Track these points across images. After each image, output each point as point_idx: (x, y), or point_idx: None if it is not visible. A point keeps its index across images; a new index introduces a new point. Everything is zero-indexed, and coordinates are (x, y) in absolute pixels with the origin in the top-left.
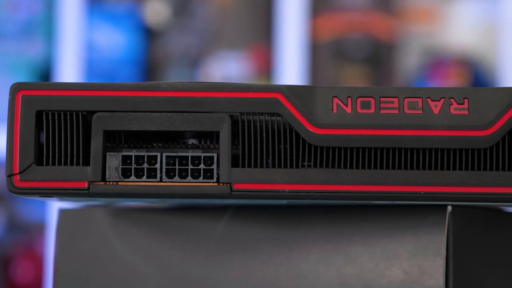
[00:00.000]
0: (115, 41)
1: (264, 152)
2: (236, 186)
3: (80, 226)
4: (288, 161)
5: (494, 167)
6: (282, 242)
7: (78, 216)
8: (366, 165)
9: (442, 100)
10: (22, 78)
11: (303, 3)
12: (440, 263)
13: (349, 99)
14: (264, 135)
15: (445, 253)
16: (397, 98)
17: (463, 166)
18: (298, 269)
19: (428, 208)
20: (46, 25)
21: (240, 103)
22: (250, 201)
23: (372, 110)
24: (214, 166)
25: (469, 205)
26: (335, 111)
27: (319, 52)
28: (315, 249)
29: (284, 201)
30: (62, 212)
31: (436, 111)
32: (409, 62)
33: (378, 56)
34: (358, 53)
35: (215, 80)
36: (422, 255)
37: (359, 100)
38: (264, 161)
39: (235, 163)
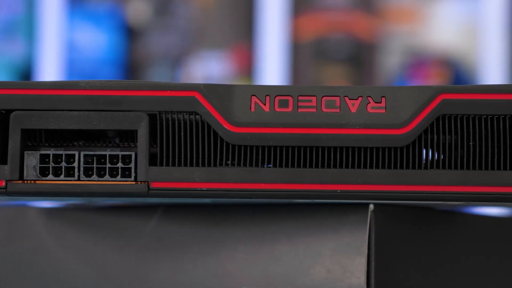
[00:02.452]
0: (96, 41)
1: (182, 150)
2: (153, 185)
3: (14, 225)
4: (206, 159)
5: (411, 165)
6: (210, 241)
7: (11, 215)
8: (284, 163)
9: (360, 99)
10: (3, 77)
11: (285, 3)
12: (362, 261)
13: (267, 97)
14: (182, 133)
15: (366, 251)
16: (315, 97)
17: (380, 164)
18: (225, 268)
19: (350, 207)
20: (27, 25)
21: (158, 101)
22: (181, 200)
23: (290, 109)
24: (132, 165)
25: (391, 203)
26: (253, 109)
27: (300, 52)
28: (241, 248)
29: (208, 200)
30: None
31: (353, 110)
32: (390, 62)
33: (360, 56)
34: (339, 53)
35: (197, 80)
36: (344, 253)
37: (277, 98)
38: (182, 159)
39: (153, 161)
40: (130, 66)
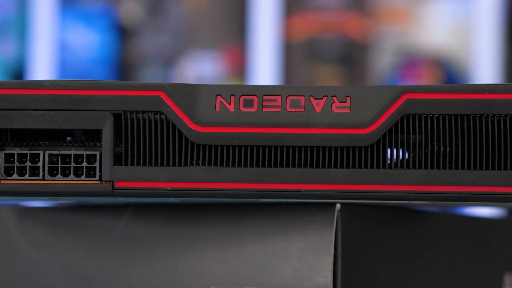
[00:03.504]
0: (88, 40)
1: (147, 150)
2: (118, 184)
3: None
4: (171, 159)
5: (375, 165)
6: (180, 240)
7: None
8: (248, 163)
9: (325, 98)
10: None
11: (277, 3)
12: (329, 260)
13: (232, 97)
14: (147, 133)
15: (333, 250)
16: (280, 96)
17: (344, 164)
18: (194, 267)
19: (318, 206)
20: (19, 25)
21: (123, 101)
22: (150, 199)
23: (254, 108)
24: (97, 164)
25: (358, 203)
26: (217, 109)
27: (293, 52)
28: (210, 248)
29: (177, 200)
30: None
31: (318, 109)
32: (382, 62)
33: (352, 56)
34: (331, 53)
35: (189, 81)
36: (311, 253)
37: (242, 98)
38: (147, 159)
39: (118, 161)
40: (123, 66)
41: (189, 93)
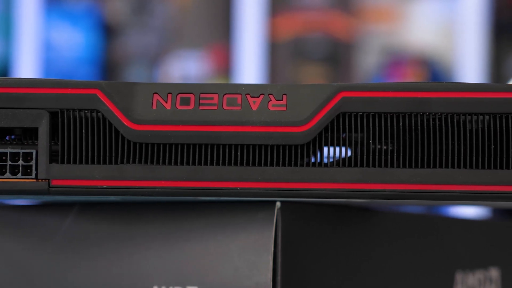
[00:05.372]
0: (73, 40)
1: (84, 148)
2: (54, 182)
3: None
4: (107, 157)
5: (311, 163)
6: (125, 239)
7: None
8: (184, 161)
9: (262, 96)
10: None
11: (262, 2)
12: (268, 258)
13: (169, 95)
14: (84, 131)
15: (273, 248)
16: (217, 95)
17: (280, 162)
18: (138, 266)
19: (259, 204)
20: (4, 24)
21: (59, 99)
22: (88, 198)
23: (191, 107)
24: (33, 162)
25: (298, 201)
26: (154, 107)
27: (278, 51)
28: (154, 246)
29: (118, 198)
30: None
31: (254, 107)
32: (367, 62)
33: (337, 55)
34: (317, 52)
35: (175, 80)
36: (252, 251)
37: (179, 96)
38: (84, 157)
39: (54, 159)
40: (108, 65)
41: (126, 91)
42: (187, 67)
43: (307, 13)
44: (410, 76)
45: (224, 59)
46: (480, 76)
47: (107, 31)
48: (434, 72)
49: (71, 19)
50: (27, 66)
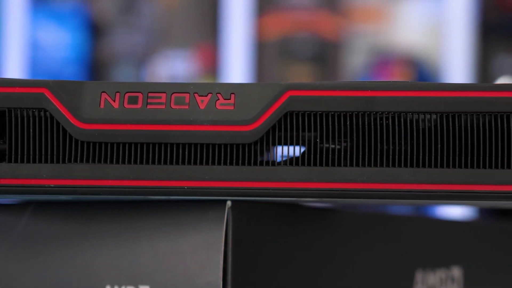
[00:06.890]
0: (60, 39)
1: (31, 147)
2: (1, 182)
3: None
4: (55, 156)
5: (258, 162)
6: (79, 238)
7: None
8: (132, 160)
9: (209, 95)
10: None
11: (250, 2)
12: (219, 257)
13: (118, 94)
14: (31, 130)
15: (223, 248)
16: (165, 94)
17: (228, 161)
18: (91, 266)
19: (210, 203)
20: None
21: (6, 98)
22: (33, 196)
23: (139, 106)
24: None
25: (249, 200)
26: (102, 106)
27: (265, 51)
28: (106, 245)
29: (69, 197)
30: None
31: (202, 106)
32: (355, 61)
33: (324, 55)
34: (304, 52)
35: (163, 79)
36: (203, 250)
37: (127, 95)
38: (31, 156)
39: (2, 158)
40: (95, 64)
41: (74, 90)
42: (174, 67)
43: (295, 13)
44: (397, 76)
45: (212, 58)
46: (467, 76)
47: (94, 31)
48: (421, 72)
49: (58, 19)
50: (13, 65)
